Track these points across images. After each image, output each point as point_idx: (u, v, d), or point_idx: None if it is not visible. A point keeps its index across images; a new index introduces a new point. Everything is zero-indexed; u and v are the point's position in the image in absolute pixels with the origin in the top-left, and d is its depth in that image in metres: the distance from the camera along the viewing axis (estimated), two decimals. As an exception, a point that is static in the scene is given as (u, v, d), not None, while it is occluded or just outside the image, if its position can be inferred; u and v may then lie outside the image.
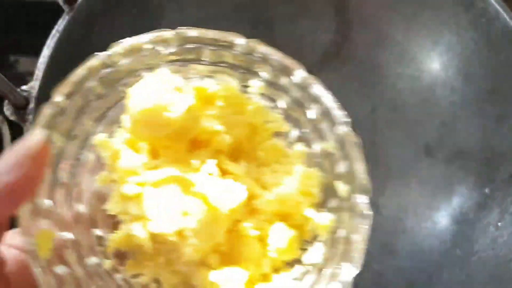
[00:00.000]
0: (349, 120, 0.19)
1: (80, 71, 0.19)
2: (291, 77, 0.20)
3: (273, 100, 0.21)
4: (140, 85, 0.19)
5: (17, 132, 0.42)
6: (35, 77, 0.32)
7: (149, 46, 0.20)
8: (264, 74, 0.21)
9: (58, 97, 0.19)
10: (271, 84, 0.21)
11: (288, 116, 0.21)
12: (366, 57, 0.39)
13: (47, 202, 0.18)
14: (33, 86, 0.32)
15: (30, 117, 0.31)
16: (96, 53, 0.19)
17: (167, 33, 0.20)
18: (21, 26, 0.43)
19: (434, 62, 0.37)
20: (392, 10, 0.37)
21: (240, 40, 0.20)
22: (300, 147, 0.21)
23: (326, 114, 0.20)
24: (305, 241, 0.20)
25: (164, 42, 0.20)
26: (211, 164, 0.19)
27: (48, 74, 0.32)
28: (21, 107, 0.31)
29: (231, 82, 0.20)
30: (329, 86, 0.39)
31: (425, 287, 0.35)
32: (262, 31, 0.39)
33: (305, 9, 0.38)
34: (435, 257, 0.35)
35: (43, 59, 0.32)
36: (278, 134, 0.21)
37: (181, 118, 0.18)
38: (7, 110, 0.32)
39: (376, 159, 0.38)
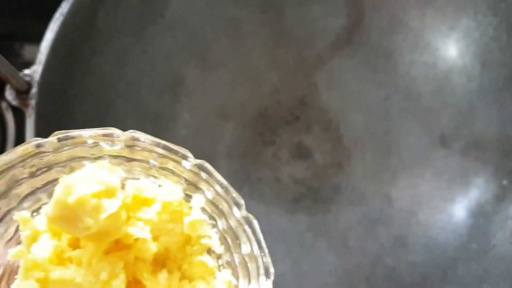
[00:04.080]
0: (273, 272, 0.19)
1: (13, 154, 0.18)
2: (233, 209, 0.19)
3: (213, 218, 0.20)
4: (74, 176, 0.17)
5: (20, 119, 0.41)
6: (38, 61, 0.31)
7: (93, 141, 0.19)
8: (209, 193, 0.20)
9: None
10: (214, 204, 0.20)
11: (224, 239, 0.20)
12: (379, 44, 0.37)
13: None
14: (36, 70, 0.31)
15: (33, 101, 0.30)
16: (36, 138, 0.18)
17: (115, 133, 0.19)
18: (25, 11, 0.43)
19: (450, 48, 0.36)
20: (407, -5, 0.36)
21: (189, 159, 0.19)
22: (228, 275, 0.20)
23: (254, 258, 0.19)
24: None
25: (110, 141, 0.19)
26: (120, 280, 0.18)
27: (51, 58, 0.31)
28: (23, 92, 0.30)
29: (176, 189, 0.20)
30: (340, 73, 0.38)
31: (439, 282, 0.33)
32: (271, 16, 0.37)
33: (316, -6, 0.37)
34: (450, 251, 0.34)
35: (46, 43, 0.31)
36: (210, 252, 0.20)
37: (103, 223, 0.17)
38: (10, 95, 0.31)
39: (389, 149, 0.37)
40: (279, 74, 0.38)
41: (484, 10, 0.34)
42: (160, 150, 0.19)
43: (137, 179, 0.20)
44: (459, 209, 0.35)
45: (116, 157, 0.19)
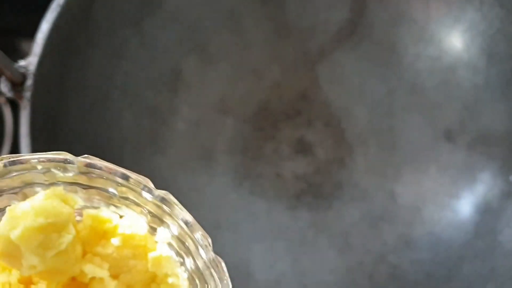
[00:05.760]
0: None
1: None
2: (199, 250, 0.17)
3: (181, 256, 0.18)
4: (21, 206, 0.15)
5: (18, 113, 0.41)
6: (33, 52, 0.30)
7: (43, 166, 0.17)
8: (175, 228, 0.18)
9: None
10: (181, 240, 0.18)
11: (193, 280, 0.18)
12: (382, 36, 0.36)
13: None
14: (31, 62, 0.30)
15: (28, 94, 0.30)
16: None
17: (68, 159, 0.17)
18: (21, 6, 0.42)
19: (456, 41, 0.35)
20: (411, -14, 0.35)
21: (151, 190, 0.17)
22: None
23: None
24: None
25: (62, 168, 0.17)
26: None
27: (47, 50, 0.30)
28: (18, 84, 0.30)
29: (139, 221, 0.18)
30: (343, 67, 0.37)
31: (444, 280, 0.33)
32: (272, 8, 0.37)
33: (318, -15, 0.36)
34: (455, 249, 0.33)
35: (42, 34, 0.30)
36: None
37: (51, 261, 0.15)
38: (5, 87, 0.30)
39: (393, 144, 0.36)
40: (280, 67, 0.38)
41: (490, 1, 0.33)
42: (119, 179, 0.17)
43: (97, 208, 0.18)
44: (465, 205, 0.34)
45: (71, 183, 0.17)
